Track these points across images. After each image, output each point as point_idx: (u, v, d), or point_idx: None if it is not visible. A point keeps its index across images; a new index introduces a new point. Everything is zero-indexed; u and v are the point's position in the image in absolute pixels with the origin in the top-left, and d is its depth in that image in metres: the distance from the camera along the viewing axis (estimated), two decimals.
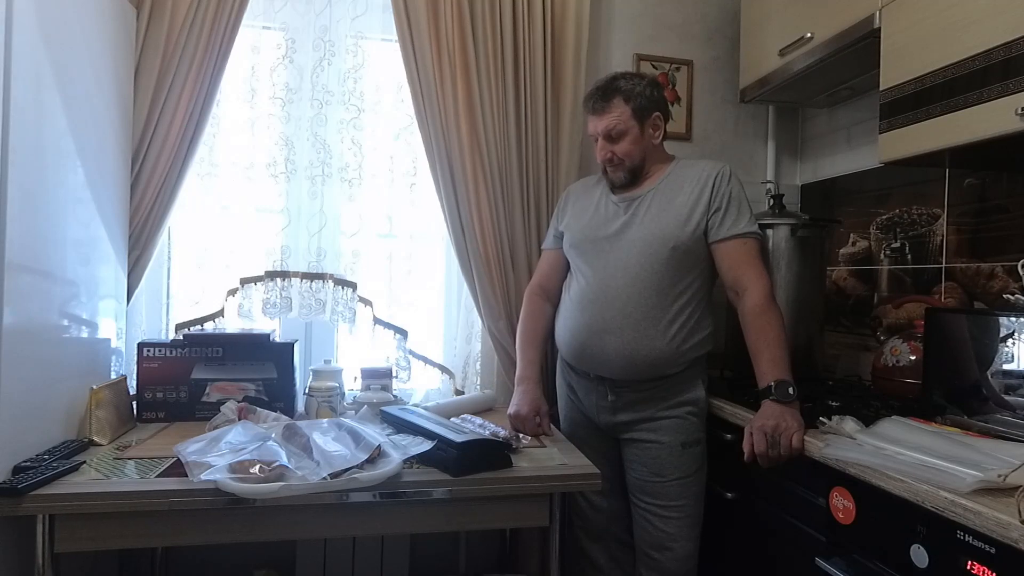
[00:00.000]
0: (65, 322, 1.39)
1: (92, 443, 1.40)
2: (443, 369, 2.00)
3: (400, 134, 1.97)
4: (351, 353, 2.01)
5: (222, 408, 1.54)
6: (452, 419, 1.56)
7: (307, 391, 1.70)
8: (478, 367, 2.02)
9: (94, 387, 1.43)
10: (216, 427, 1.45)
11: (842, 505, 1.20)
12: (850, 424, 1.27)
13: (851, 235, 2.01)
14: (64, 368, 1.39)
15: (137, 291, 1.75)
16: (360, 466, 1.22)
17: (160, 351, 1.65)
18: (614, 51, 2.13)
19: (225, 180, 1.88)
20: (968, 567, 0.94)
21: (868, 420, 1.30)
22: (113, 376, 1.62)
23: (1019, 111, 1.12)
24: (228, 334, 1.77)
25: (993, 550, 0.91)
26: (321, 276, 1.89)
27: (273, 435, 1.35)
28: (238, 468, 1.17)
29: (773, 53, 1.81)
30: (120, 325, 1.68)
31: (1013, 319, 1.24)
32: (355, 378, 1.85)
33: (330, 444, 1.29)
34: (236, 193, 1.89)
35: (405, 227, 1.98)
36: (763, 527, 1.47)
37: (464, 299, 2.00)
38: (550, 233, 1.79)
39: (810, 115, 2.23)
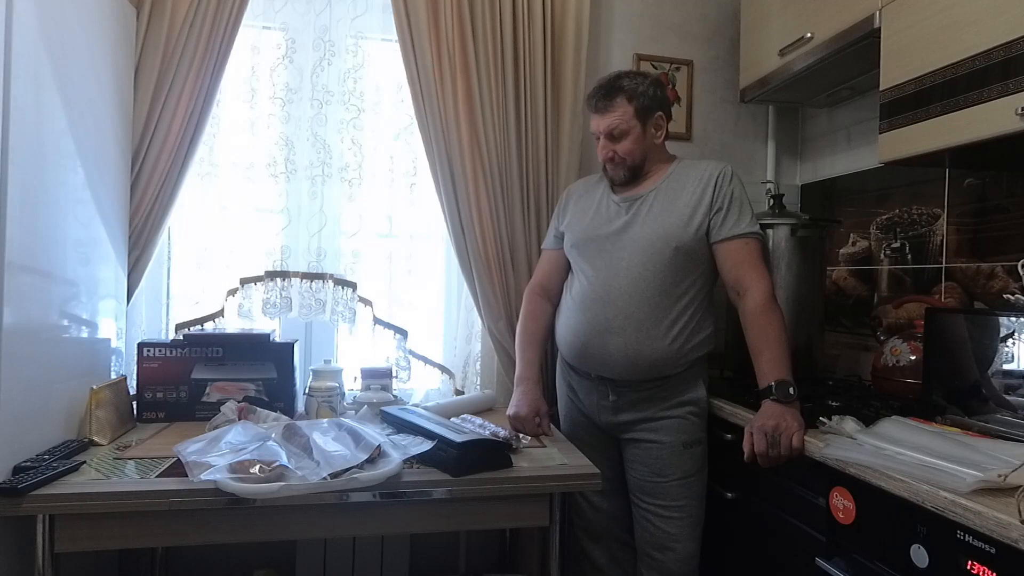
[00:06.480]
0: (65, 322, 1.39)
1: (92, 443, 1.40)
2: (443, 369, 2.00)
3: (400, 134, 1.97)
4: (351, 353, 2.00)
5: (222, 408, 1.54)
6: (452, 419, 1.56)
7: (307, 391, 1.70)
8: (478, 367, 2.02)
9: (94, 387, 1.43)
10: (216, 427, 1.45)
11: (842, 505, 1.20)
12: (850, 424, 1.27)
13: (851, 235, 2.01)
14: (64, 368, 1.39)
15: (137, 291, 1.75)
16: (360, 466, 1.22)
17: (160, 351, 1.65)
18: (614, 51, 2.13)
19: (225, 180, 1.88)
20: (968, 567, 0.94)
21: (868, 420, 1.30)
22: (113, 376, 1.62)
23: (1019, 111, 1.12)
24: (228, 334, 1.77)
25: (993, 550, 0.91)
26: (321, 276, 1.89)
27: (273, 435, 1.35)
28: (238, 468, 1.17)
29: (773, 53, 1.81)
30: (120, 325, 1.68)
31: (1013, 319, 1.24)
32: (355, 378, 1.85)
33: (330, 444, 1.29)
34: (236, 193, 1.89)
35: (405, 227, 1.98)
36: (763, 527, 1.47)
37: (464, 299, 1.99)
38: (550, 233, 1.78)
39: (810, 115, 2.23)
